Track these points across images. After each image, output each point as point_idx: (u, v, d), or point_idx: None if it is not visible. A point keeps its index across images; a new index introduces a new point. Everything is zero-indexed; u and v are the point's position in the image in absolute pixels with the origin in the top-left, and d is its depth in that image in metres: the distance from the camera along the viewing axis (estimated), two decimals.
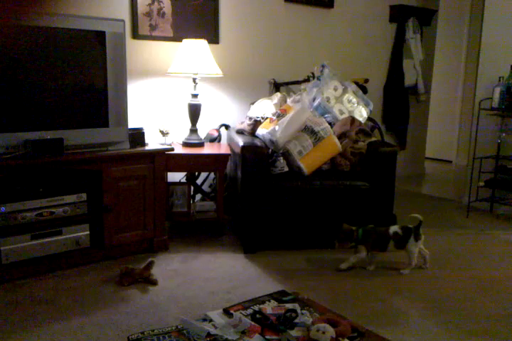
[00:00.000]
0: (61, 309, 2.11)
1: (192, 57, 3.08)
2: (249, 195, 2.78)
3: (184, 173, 3.38)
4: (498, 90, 3.57)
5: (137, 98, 3.29)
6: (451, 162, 5.88)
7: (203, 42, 3.14)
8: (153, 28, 3.29)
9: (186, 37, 3.19)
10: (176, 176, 3.33)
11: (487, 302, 2.29)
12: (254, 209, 2.79)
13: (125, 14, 3.15)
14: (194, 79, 3.17)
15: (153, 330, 1.28)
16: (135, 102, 3.27)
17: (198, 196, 3.52)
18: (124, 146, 2.67)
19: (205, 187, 3.57)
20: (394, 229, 2.60)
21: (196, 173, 3.44)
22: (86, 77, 2.54)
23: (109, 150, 2.61)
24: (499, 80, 3.59)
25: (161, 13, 3.30)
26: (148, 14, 3.25)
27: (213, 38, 3.54)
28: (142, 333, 1.26)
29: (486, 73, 3.86)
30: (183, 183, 3.17)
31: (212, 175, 3.58)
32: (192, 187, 3.31)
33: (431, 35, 5.02)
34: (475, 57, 4.13)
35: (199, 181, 3.51)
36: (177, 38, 3.34)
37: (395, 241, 2.57)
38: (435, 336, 1.97)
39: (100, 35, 2.52)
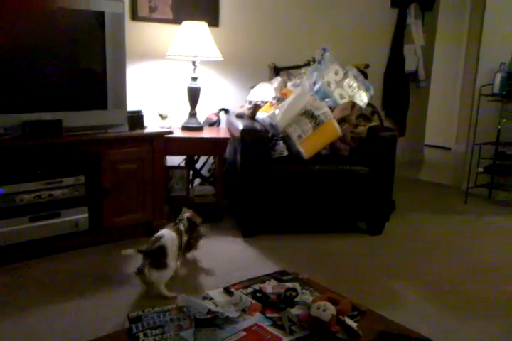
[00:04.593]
0: (60, 291, 2.11)
1: (192, 40, 3.04)
2: (249, 179, 2.78)
3: (183, 157, 3.36)
4: (499, 76, 3.55)
5: (136, 81, 3.26)
6: (450, 149, 5.88)
7: (203, 25, 3.10)
8: (152, 9, 3.24)
9: (186, 19, 3.15)
10: (175, 160, 3.32)
11: (484, 286, 2.30)
12: (253, 193, 2.79)
13: None
14: (194, 62, 3.14)
15: (153, 308, 1.28)
16: (134, 85, 3.23)
17: (197, 180, 3.52)
18: (123, 129, 2.65)
19: (204, 172, 3.56)
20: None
21: (195, 158, 3.43)
22: (85, 58, 2.51)
23: (108, 132, 2.59)
24: (500, 66, 3.56)
25: None
26: None
27: (213, 21, 3.49)
28: (142, 311, 1.26)
29: (487, 59, 3.83)
30: (182, 167, 3.16)
31: (211, 159, 3.56)
32: (191, 172, 3.30)
33: (432, 20, 4.97)
34: (476, 43, 4.09)
35: (198, 166, 3.49)
36: (177, 20, 3.29)
37: None
38: (432, 317, 1.98)
39: (99, 16, 2.48)
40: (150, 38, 3.26)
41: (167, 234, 2.04)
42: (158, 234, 2.06)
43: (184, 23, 3.10)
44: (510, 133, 3.69)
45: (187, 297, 1.24)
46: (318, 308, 1.18)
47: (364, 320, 1.31)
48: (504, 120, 3.69)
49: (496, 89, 3.57)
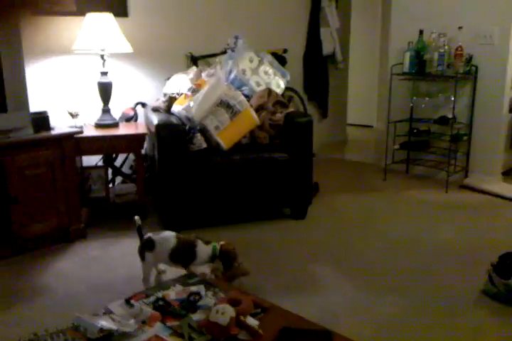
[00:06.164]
0: None
1: (98, 33, 2.91)
2: (168, 174, 2.73)
3: (100, 156, 3.24)
4: (407, 55, 3.67)
5: (41, 79, 3.08)
6: (372, 127, 6.07)
7: (108, 16, 2.98)
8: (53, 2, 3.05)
9: (91, 11, 2.99)
10: (92, 160, 3.19)
11: (402, 260, 2.42)
12: (173, 188, 2.75)
13: None
14: (102, 56, 3.01)
15: (46, 330, 1.23)
16: (39, 84, 3.06)
17: (120, 179, 3.41)
18: (27, 132, 2.51)
19: (126, 169, 3.46)
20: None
21: (114, 155, 3.32)
22: None
23: (10, 137, 2.44)
24: (408, 45, 3.68)
25: None
26: None
27: (121, 11, 3.35)
28: (35, 334, 1.20)
29: (397, 39, 3.94)
30: (98, 167, 3.05)
31: (132, 156, 3.46)
32: (110, 170, 3.20)
33: (346, 2, 5.04)
34: (388, 23, 4.20)
35: (118, 163, 3.39)
36: (80, 12, 3.12)
37: None
38: (350, 296, 2.06)
39: None
40: (53, 33, 3.08)
41: (166, 235, 2.06)
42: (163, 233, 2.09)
43: (88, 15, 2.95)
44: (421, 110, 3.85)
45: (80, 316, 1.20)
46: (217, 312, 1.19)
47: (267, 316, 1.33)
48: (415, 98, 3.84)
49: (406, 68, 3.69)
